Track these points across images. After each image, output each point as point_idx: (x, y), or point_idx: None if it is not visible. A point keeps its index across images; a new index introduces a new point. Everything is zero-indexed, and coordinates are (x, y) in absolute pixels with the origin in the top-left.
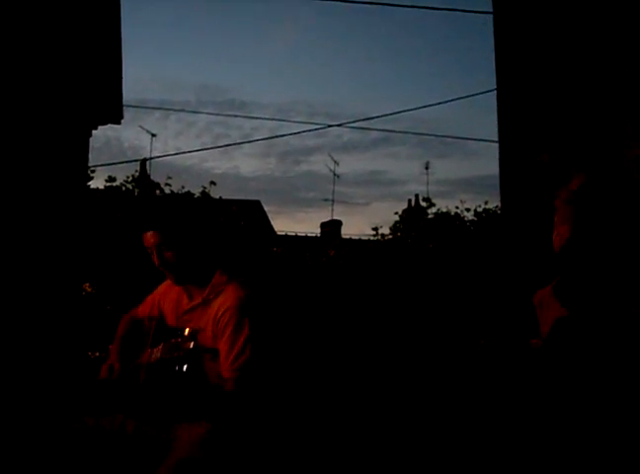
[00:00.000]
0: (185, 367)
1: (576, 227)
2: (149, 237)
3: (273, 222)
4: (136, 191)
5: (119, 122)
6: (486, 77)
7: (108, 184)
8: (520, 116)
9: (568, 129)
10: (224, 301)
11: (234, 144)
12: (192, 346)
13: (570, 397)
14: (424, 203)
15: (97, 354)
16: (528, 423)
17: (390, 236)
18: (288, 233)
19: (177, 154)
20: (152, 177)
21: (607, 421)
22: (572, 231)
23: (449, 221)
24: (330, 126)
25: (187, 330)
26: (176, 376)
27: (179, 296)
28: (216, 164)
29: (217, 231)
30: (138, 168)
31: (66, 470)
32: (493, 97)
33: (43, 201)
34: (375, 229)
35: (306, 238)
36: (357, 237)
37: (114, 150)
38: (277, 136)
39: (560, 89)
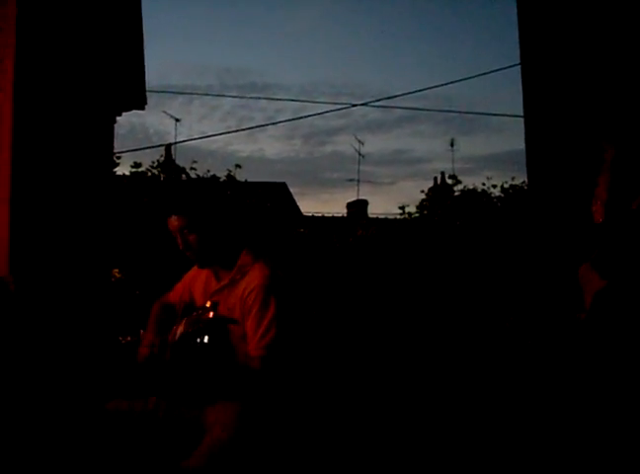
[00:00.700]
0: (206, 339)
1: (611, 197)
2: (173, 221)
3: (299, 204)
4: (162, 176)
5: (142, 108)
6: (510, 52)
7: (133, 169)
8: (545, 89)
9: (594, 101)
10: (251, 281)
11: (258, 126)
12: (211, 316)
13: (611, 371)
14: (450, 181)
15: (128, 338)
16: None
17: (417, 215)
18: (315, 214)
19: (201, 138)
20: (177, 161)
21: None
22: (607, 201)
23: (476, 198)
24: (354, 106)
25: (208, 302)
26: (198, 348)
27: (207, 279)
28: (241, 147)
29: (242, 214)
30: (163, 153)
31: (100, 452)
32: (518, 71)
33: (71, 190)
34: (402, 208)
35: (333, 219)
36: (383, 216)
37: (139, 136)
38: (300, 118)
39: (585, 61)
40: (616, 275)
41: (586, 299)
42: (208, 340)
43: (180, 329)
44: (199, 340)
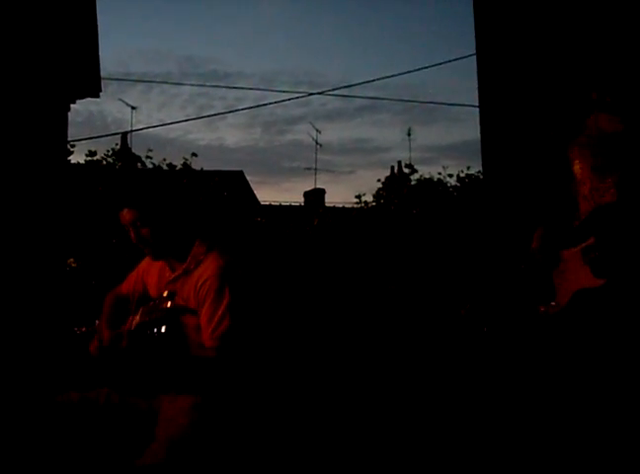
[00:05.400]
0: (163, 328)
1: (623, 180)
2: (125, 214)
3: (258, 193)
4: (117, 164)
5: (97, 96)
6: (469, 42)
7: (88, 158)
8: (499, 79)
9: (548, 92)
10: (205, 270)
11: (217, 114)
12: (169, 305)
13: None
14: (407, 170)
15: (83, 329)
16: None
17: (374, 204)
18: (272, 203)
19: (158, 126)
20: (136, 150)
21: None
22: (619, 184)
23: (432, 187)
24: (311, 94)
25: (165, 292)
26: (155, 338)
27: (161, 269)
28: (200, 136)
29: (196, 204)
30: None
31: (52, 445)
32: (474, 61)
33: (22, 178)
34: (359, 197)
35: (290, 207)
36: (341, 205)
37: (97, 124)
38: (260, 105)
39: (539, 51)
40: (617, 278)
41: (562, 287)
42: (166, 329)
43: (136, 318)
44: (156, 329)
